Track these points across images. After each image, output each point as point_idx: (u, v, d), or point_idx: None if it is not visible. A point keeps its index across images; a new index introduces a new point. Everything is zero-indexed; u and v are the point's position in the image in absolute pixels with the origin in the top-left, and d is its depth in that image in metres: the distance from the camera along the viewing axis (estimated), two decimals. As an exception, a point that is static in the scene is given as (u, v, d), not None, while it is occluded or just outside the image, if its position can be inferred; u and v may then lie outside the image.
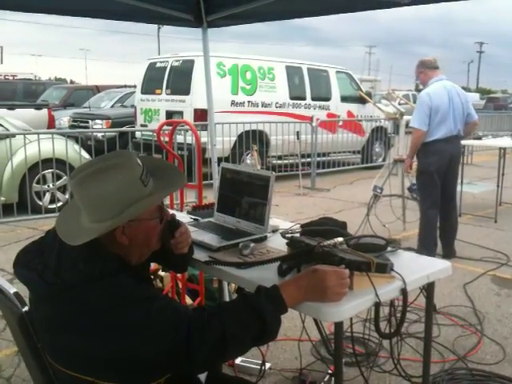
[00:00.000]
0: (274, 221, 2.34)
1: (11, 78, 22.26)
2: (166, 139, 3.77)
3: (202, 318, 1.36)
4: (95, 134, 8.79)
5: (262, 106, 9.61)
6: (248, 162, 9.17)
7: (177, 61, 9.44)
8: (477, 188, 8.27)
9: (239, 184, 2.27)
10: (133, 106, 10.68)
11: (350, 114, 10.96)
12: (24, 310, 1.47)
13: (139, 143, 8.15)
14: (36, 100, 14.78)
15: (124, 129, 9.49)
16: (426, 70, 4.66)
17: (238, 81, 9.29)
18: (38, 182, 6.62)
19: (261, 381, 2.72)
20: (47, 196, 6.77)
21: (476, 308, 3.79)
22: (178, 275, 3.32)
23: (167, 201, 3.84)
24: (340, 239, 1.75)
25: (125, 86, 16.19)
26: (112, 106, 13.12)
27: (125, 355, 1.30)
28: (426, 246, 4.58)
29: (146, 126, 9.66)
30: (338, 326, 1.56)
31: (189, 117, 8.58)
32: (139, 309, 1.32)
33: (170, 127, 4.04)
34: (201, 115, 8.35)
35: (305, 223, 2.14)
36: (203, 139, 4.79)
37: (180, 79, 9.22)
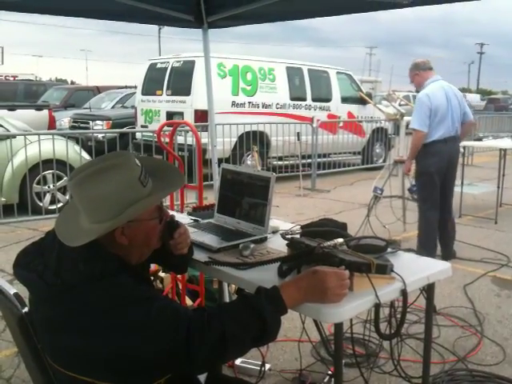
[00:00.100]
0: (274, 222, 2.34)
1: (12, 78, 22.31)
2: (167, 140, 3.77)
3: (202, 318, 1.36)
4: (96, 134, 8.79)
5: (263, 106, 9.62)
6: (248, 162, 9.17)
7: (177, 61, 9.44)
8: (477, 189, 8.28)
9: (239, 185, 2.27)
10: (133, 107, 10.69)
11: (350, 114, 10.97)
12: (24, 310, 1.47)
13: (140, 144, 8.15)
14: (36, 101, 14.79)
15: (124, 130, 9.50)
16: (420, 71, 4.66)
17: (238, 82, 9.30)
18: (38, 183, 6.62)
19: (260, 382, 2.72)
20: (47, 197, 6.78)
21: (476, 309, 3.79)
22: (178, 276, 3.32)
23: (167, 202, 3.84)
24: (340, 240, 1.75)
25: (125, 87, 16.20)
26: (112, 107, 13.13)
27: (125, 355, 1.30)
28: (425, 248, 4.58)
29: (146, 126, 9.67)
30: (338, 326, 1.56)
31: (189, 118, 8.59)
32: (139, 309, 1.32)
33: (171, 128, 4.04)
34: (201, 116, 8.35)
35: (305, 224, 2.14)
36: (204, 140, 4.79)
37: (181, 80, 9.22)
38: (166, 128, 5.58)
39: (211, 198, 3.95)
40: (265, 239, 2.13)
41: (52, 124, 11.15)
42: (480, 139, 8.12)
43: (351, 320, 2.04)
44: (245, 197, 2.24)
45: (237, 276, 1.78)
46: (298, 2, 3.08)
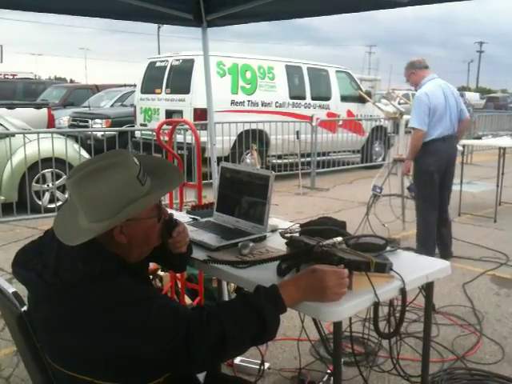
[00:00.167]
0: (274, 220, 2.34)
1: (11, 77, 22.26)
2: (166, 138, 3.77)
3: (201, 317, 1.36)
4: (95, 133, 8.80)
5: (262, 105, 9.61)
6: (248, 161, 9.17)
7: (177, 60, 9.44)
8: (476, 187, 8.28)
9: (239, 183, 2.27)
10: (132, 106, 10.68)
11: (349, 113, 10.97)
12: (23, 309, 1.47)
13: (139, 142, 8.15)
14: (36, 99, 14.78)
15: (124, 128, 9.48)
16: (416, 70, 4.64)
17: (237, 80, 9.29)
18: (37, 182, 6.61)
19: (260, 380, 2.72)
20: (47, 195, 6.77)
21: (475, 308, 3.80)
22: (178, 275, 3.32)
23: (166, 200, 3.84)
24: (339, 239, 1.75)
25: (124, 86, 16.19)
26: (112, 106, 13.12)
27: (125, 355, 1.30)
28: (425, 247, 4.57)
29: (145, 125, 9.66)
30: (337, 325, 1.56)
31: (188, 116, 8.58)
32: (139, 309, 1.32)
33: (170, 126, 4.03)
34: (200, 114, 8.35)
35: (304, 223, 2.14)
36: (203, 138, 4.79)
37: (180, 78, 9.22)
38: (165, 126, 5.58)
39: (210, 196, 3.96)
40: (264, 238, 2.13)
41: (51, 122, 11.15)
42: (479, 138, 8.12)
43: (350, 319, 2.05)
44: (244, 195, 2.24)
45: (236, 275, 1.78)
46: (298, 1, 3.08)
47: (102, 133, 8.73)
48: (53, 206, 6.61)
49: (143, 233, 1.49)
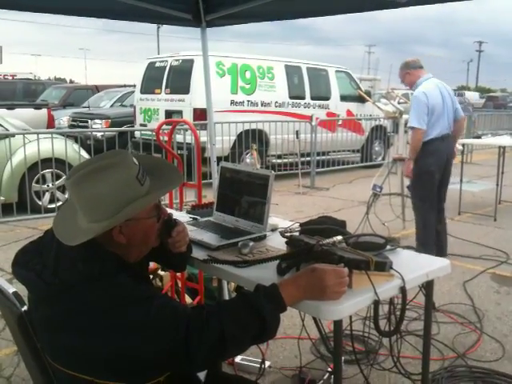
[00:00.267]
0: (273, 220, 2.34)
1: (11, 77, 22.24)
2: (166, 139, 3.77)
3: (201, 317, 1.36)
4: (94, 133, 8.79)
5: (262, 105, 9.61)
6: (247, 161, 9.17)
7: (176, 60, 9.44)
8: (476, 186, 8.29)
9: (238, 183, 2.27)
10: (132, 106, 10.68)
11: (349, 113, 10.97)
12: (23, 309, 1.47)
13: (138, 143, 8.15)
14: (35, 100, 14.78)
15: (123, 128, 9.49)
16: (411, 70, 4.62)
17: (237, 80, 9.29)
18: (37, 182, 6.62)
19: (260, 379, 2.72)
20: (47, 196, 6.77)
21: (475, 306, 3.80)
22: (178, 274, 3.32)
23: (166, 200, 3.85)
24: (339, 238, 1.75)
25: (124, 86, 16.19)
26: (111, 106, 13.12)
27: (124, 355, 1.30)
28: (425, 246, 4.56)
29: (145, 125, 9.66)
30: (337, 324, 1.56)
31: (188, 116, 8.58)
32: (139, 308, 1.32)
33: (170, 127, 4.03)
34: (200, 114, 8.35)
35: (304, 222, 2.14)
36: (203, 138, 4.80)
37: (179, 79, 9.22)
38: (164, 126, 5.59)
39: (210, 196, 3.96)
40: (264, 237, 2.13)
41: (51, 123, 11.15)
42: (479, 137, 8.13)
43: (351, 317, 2.05)
44: (244, 195, 2.24)
45: (236, 274, 1.78)
46: (297, 1, 3.07)
47: (102, 133, 8.74)
48: (53, 206, 6.61)
49: (142, 233, 1.49)
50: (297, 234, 1.99)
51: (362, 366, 2.44)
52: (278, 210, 6.05)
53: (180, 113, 8.94)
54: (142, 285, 1.46)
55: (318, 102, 10.44)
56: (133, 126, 10.03)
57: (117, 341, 1.29)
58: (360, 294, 1.56)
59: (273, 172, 2.17)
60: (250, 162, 9.02)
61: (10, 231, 5.89)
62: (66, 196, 6.74)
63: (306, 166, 9.55)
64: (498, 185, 6.58)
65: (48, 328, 1.38)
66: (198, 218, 2.42)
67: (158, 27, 50.13)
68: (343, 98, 10.90)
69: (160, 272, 3.51)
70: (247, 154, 9.17)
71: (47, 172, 6.70)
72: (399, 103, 7.05)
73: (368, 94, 11.18)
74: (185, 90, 8.94)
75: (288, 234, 1.94)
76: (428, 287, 1.89)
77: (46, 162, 6.54)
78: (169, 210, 1.89)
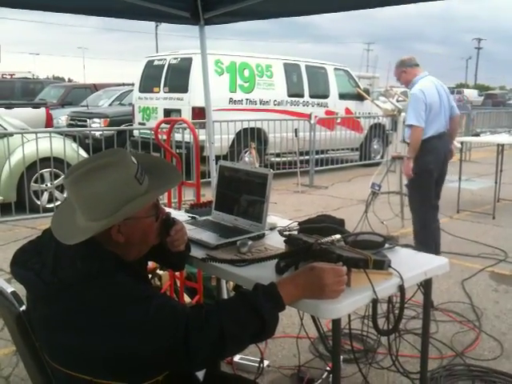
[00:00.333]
0: (272, 218, 2.34)
1: (9, 76, 22.23)
2: (164, 137, 3.77)
3: (200, 316, 1.36)
4: (93, 132, 8.77)
5: (260, 103, 9.61)
6: (246, 159, 9.17)
7: (175, 59, 9.43)
8: (475, 184, 8.30)
9: (237, 182, 2.27)
10: (131, 105, 10.67)
11: (348, 111, 10.96)
12: (21, 309, 1.48)
13: (137, 142, 8.14)
14: (34, 99, 14.75)
15: (122, 127, 9.47)
16: (407, 68, 4.60)
17: (235, 78, 9.28)
18: (36, 181, 6.61)
19: (259, 378, 2.71)
20: (45, 195, 6.77)
21: (474, 304, 3.80)
22: (177, 274, 3.32)
23: (165, 199, 3.84)
24: (337, 236, 1.75)
25: (123, 85, 16.16)
26: (110, 105, 13.10)
27: (123, 354, 1.30)
28: (424, 245, 4.54)
29: (144, 124, 9.66)
30: (336, 322, 1.56)
31: (187, 115, 8.58)
32: (137, 308, 1.32)
33: (168, 125, 4.03)
34: (199, 113, 8.34)
35: (302, 221, 2.14)
36: (201, 137, 4.79)
37: (178, 77, 9.21)
38: (163, 125, 5.57)
39: (209, 195, 3.96)
40: (262, 236, 2.13)
41: (49, 122, 11.12)
42: (478, 135, 8.13)
43: (349, 316, 2.05)
44: (242, 194, 2.24)
45: (234, 273, 1.78)
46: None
47: (101, 132, 8.73)
48: (51, 205, 6.60)
49: (141, 232, 1.49)
50: (295, 232, 1.99)
51: (361, 365, 2.45)
52: (276, 208, 6.05)
53: (179, 111, 8.93)
54: (141, 284, 1.45)
55: (316, 100, 10.43)
56: (131, 125, 10.01)
57: (115, 340, 1.29)
58: (358, 292, 1.56)
59: (271, 170, 2.17)
60: (249, 160, 9.02)
61: (8, 231, 5.88)
62: (65, 195, 6.73)
63: (304, 165, 9.55)
64: (496, 183, 6.58)
65: (46, 327, 1.38)
66: (197, 216, 2.42)
67: (157, 25, 50.06)
68: (342, 96, 10.89)
69: (159, 271, 3.51)
70: (246, 152, 9.17)
71: (46, 171, 6.69)
72: (398, 101, 7.06)
73: (367, 91, 11.17)
74: (183, 88, 8.93)
75: (287, 233, 1.94)
76: (426, 286, 1.89)
77: (45, 161, 6.53)
78: (167, 209, 1.89)
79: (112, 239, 1.42)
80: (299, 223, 2.12)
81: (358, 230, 4.14)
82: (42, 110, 11.12)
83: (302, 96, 10.21)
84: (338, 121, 10.66)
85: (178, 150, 7.39)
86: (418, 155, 4.54)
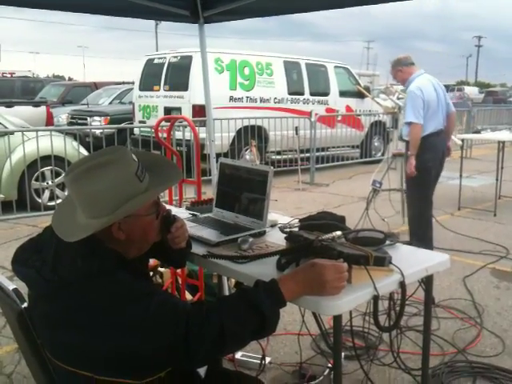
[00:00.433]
0: (273, 215, 2.35)
1: (9, 75, 22.22)
2: (165, 135, 3.76)
3: (201, 312, 1.36)
4: (93, 130, 8.77)
5: (261, 101, 9.59)
6: (247, 157, 9.17)
7: (175, 57, 9.42)
8: (476, 181, 8.29)
9: (238, 179, 2.27)
10: (131, 103, 10.67)
11: (348, 108, 10.95)
12: (23, 306, 1.48)
13: (137, 140, 8.14)
14: (34, 97, 14.77)
15: (122, 125, 9.46)
16: (403, 67, 4.59)
17: (236, 76, 9.27)
18: (36, 180, 6.62)
19: (261, 375, 2.73)
20: (46, 193, 6.77)
21: (475, 301, 3.80)
22: (178, 271, 3.33)
23: (166, 197, 3.84)
24: (338, 233, 1.75)
25: (123, 83, 16.16)
26: (110, 103, 13.09)
27: (124, 352, 1.30)
28: (423, 241, 4.54)
29: (144, 122, 9.65)
30: (337, 319, 1.56)
31: (187, 113, 8.58)
32: (138, 306, 1.32)
33: (169, 123, 4.03)
34: (199, 111, 8.33)
35: (303, 218, 2.14)
36: (202, 135, 4.79)
37: (178, 75, 9.20)
38: (163, 123, 5.57)
39: (210, 192, 3.96)
40: (263, 233, 2.13)
41: (50, 120, 11.14)
42: (478, 132, 8.12)
43: (350, 313, 2.05)
44: (243, 191, 2.24)
45: (235, 270, 1.78)
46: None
47: (101, 130, 8.72)
48: (52, 203, 6.60)
49: (141, 229, 1.49)
50: (296, 229, 1.99)
51: (362, 362, 2.45)
52: (277, 206, 6.04)
53: (179, 109, 8.93)
54: (142, 281, 1.46)
55: (317, 98, 10.42)
56: (132, 123, 10.01)
57: (116, 338, 1.29)
58: (359, 289, 1.56)
59: (272, 168, 2.17)
60: (250, 158, 9.02)
61: (9, 229, 5.89)
62: (66, 193, 6.73)
63: (305, 162, 9.55)
64: (497, 180, 6.58)
65: (47, 325, 1.39)
66: (198, 214, 2.42)
67: (157, 24, 50.05)
68: (342, 94, 10.88)
69: (160, 269, 3.52)
70: (246, 150, 9.17)
71: (46, 169, 6.70)
72: (398, 98, 7.04)
73: (367, 89, 11.14)
74: (183, 86, 8.93)
75: (287, 230, 1.94)
76: (428, 282, 1.88)
77: (46, 159, 6.53)
78: (168, 207, 1.89)
79: (113, 237, 1.42)
80: (300, 220, 2.12)
81: (358, 227, 4.13)
82: (43, 108, 11.14)
83: (302, 94, 10.19)
84: (339, 118, 10.65)
85: (178, 148, 7.39)
86: (417, 153, 4.54)
